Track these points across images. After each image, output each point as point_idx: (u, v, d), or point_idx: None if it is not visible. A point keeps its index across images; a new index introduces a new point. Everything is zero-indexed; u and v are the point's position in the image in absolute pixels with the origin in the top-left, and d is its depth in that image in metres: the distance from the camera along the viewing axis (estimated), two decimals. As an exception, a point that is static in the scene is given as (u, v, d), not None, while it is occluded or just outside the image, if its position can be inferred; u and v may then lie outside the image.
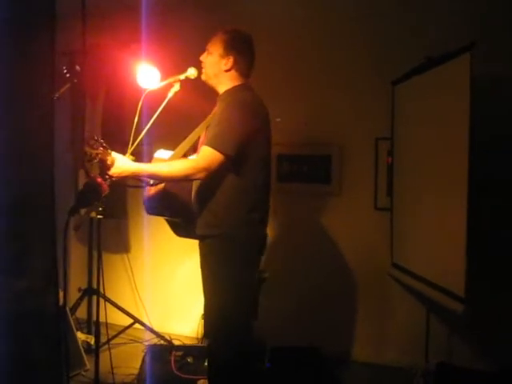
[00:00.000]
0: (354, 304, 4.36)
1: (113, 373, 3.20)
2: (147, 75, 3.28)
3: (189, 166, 2.54)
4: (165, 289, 4.83)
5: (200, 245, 2.74)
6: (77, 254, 4.99)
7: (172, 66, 3.01)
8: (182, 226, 2.90)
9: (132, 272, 4.92)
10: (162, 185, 2.70)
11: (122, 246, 4.95)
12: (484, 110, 3.20)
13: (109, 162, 2.50)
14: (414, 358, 3.87)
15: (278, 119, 4.52)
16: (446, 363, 3.29)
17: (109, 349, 3.49)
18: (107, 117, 4.39)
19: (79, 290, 4.42)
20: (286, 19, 4.47)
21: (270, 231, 4.46)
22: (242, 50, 2.78)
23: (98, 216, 2.71)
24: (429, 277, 3.54)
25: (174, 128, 3.03)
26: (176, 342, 4.43)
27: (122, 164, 2.55)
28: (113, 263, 5.06)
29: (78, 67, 4.38)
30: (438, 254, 3.50)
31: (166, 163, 2.65)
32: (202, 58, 2.81)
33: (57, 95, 4.34)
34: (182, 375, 3.53)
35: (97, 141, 2.51)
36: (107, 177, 2.51)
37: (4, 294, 1.44)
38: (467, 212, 3.02)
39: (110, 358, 3.23)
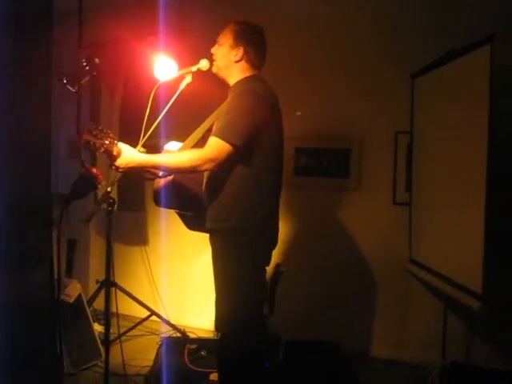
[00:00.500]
0: (371, 300, 4.31)
1: (124, 364, 3.20)
2: (164, 67, 3.28)
3: (196, 156, 2.51)
4: (182, 281, 4.84)
5: (210, 238, 2.72)
6: (96, 247, 5.03)
7: (189, 58, 2.97)
8: (193, 219, 2.88)
9: (149, 265, 4.94)
10: (171, 176, 2.69)
11: (141, 238, 4.97)
12: (505, 104, 3.12)
13: (115, 153, 2.49)
14: (432, 355, 3.81)
15: (299, 113, 4.53)
16: (459, 362, 3.23)
17: (120, 342, 3.51)
18: (125, 109, 4.40)
19: (97, 281, 4.45)
20: (305, 13, 4.42)
21: (288, 225, 4.49)
22: (252, 41, 2.75)
23: (109, 208, 2.69)
24: (446, 273, 3.49)
25: (191, 120, 3.00)
26: (192, 335, 4.43)
27: (128, 155, 2.54)
28: (131, 256, 5.10)
29: (97, 60, 4.41)
30: (455, 249, 3.43)
31: (173, 154, 2.63)
32: (213, 50, 2.79)
33: (76, 88, 4.40)
34: (195, 368, 3.53)
35: (101, 131, 2.50)
36: (114, 167, 2.50)
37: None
38: (485, 207, 2.96)
39: (122, 350, 3.24)
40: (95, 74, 4.41)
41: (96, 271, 4.85)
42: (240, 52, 2.72)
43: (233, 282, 2.65)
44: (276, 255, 4.37)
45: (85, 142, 2.50)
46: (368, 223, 4.33)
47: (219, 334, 2.84)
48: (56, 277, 2.20)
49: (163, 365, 3.55)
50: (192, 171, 2.58)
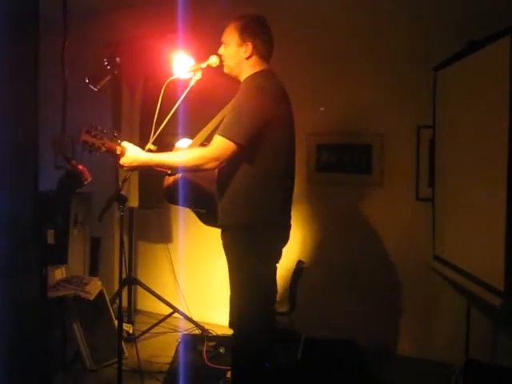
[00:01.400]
0: (395, 297, 4.25)
1: (139, 362, 3.21)
2: (182, 64, 3.27)
3: (199, 155, 2.51)
4: (204, 279, 4.85)
5: (221, 234, 2.71)
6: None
7: (207, 55, 2.94)
8: (207, 216, 2.88)
9: (172, 262, 4.97)
10: (180, 174, 2.69)
11: (164, 236, 5.00)
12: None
13: (118, 152, 2.50)
14: (457, 353, 3.73)
15: (322, 108, 4.49)
16: (475, 360, 3.16)
17: (135, 341, 3.53)
18: (145, 108, 4.42)
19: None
20: (326, 7, 4.37)
21: (309, 222, 4.47)
22: (258, 33, 2.70)
23: (120, 206, 2.70)
24: (469, 270, 3.41)
25: (206, 116, 2.99)
26: (214, 333, 4.43)
27: (132, 154, 2.56)
28: (155, 253, 5.14)
29: (118, 59, 4.45)
30: (478, 246, 3.35)
31: (177, 153, 2.63)
32: (220, 51, 2.76)
33: (98, 87, 4.45)
34: (213, 365, 3.53)
35: (101, 131, 2.51)
36: (119, 166, 2.51)
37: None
38: (507, 204, 2.89)
39: (136, 349, 3.26)
40: (116, 73, 4.47)
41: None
42: (249, 48, 2.68)
43: (242, 278, 2.64)
44: (298, 252, 4.41)
45: (83, 143, 2.52)
46: (391, 219, 4.27)
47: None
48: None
49: (182, 362, 3.56)
50: (196, 170, 2.58)
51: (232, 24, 2.73)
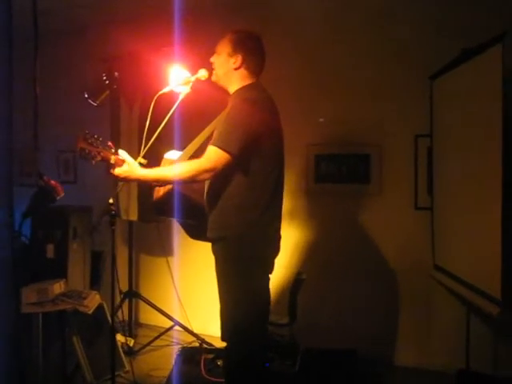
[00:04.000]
0: (394, 306, 4.24)
1: (134, 376, 3.20)
2: (178, 77, 3.29)
3: (193, 167, 2.52)
4: (205, 291, 4.82)
5: (212, 247, 2.71)
6: (122, 258, 5.09)
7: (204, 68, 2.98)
8: (195, 228, 2.88)
9: (173, 275, 4.97)
10: (170, 186, 2.70)
11: (164, 249, 5.00)
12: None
13: (112, 161, 2.52)
14: (458, 362, 3.70)
15: (321, 119, 4.50)
16: (467, 370, 3.13)
17: (133, 355, 3.50)
18: (144, 121, 4.43)
19: (120, 292, 4.50)
20: (318, 18, 4.40)
21: (309, 232, 4.46)
22: (250, 48, 2.74)
23: (111, 219, 2.71)
24: (467, 279, 3.41)
25: (194, 128, 3.01)
26: (214, 345, 4.42)
27: (129, 168, 2.59)
28: (155, 266, 5.14)
29: (116, 73, 4.48)
30: (476, 255, 3.35)
31: (170, 167, 2.64)
32: (212, 59, 2.80)
33: (97, 102, 4.48)
34: (211, 378, 3.51)
35: (97, 139, 2.54)
36: (111, 176, 2.54)
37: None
38: (502, 213, 2.89)
39: (131, 364, 3.25)
40: (115, 87, 4.50)
41: (123, 282, 4.90)
42: (239, 59, 2.71)
43: (235, 290, 2.63)
44: (297, 262, 4.41)
45: (80, 150, 2.55)
46: (390, 228, 4.26)
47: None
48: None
49: (179, 374, 3.55)
50: (191, 182, 2.60)
51: (227, 35, 2.78)
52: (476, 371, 3.32)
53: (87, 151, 2.55)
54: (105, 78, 4.40)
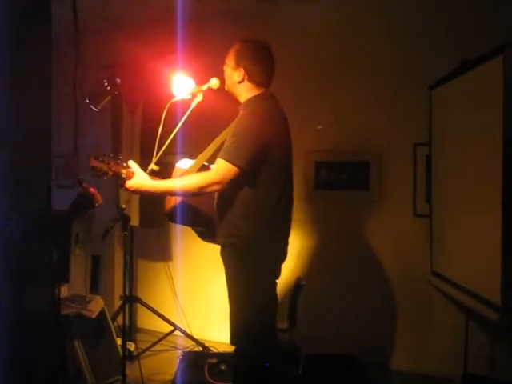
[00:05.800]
0: (393, 312, 4.28)
1: (142, 381, 3.22)
2: (182, 85, 3.33)
3: (201, 180, 2.56)
4: (205, 296, 4.87)
5: (221, 252, 2.76)
6: (121, 263, 5.09)
7: (207, 76, 2.98)
8: (206, 233, 2.93)
9: (173, 280, 5.00)
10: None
11: (164, 254, 5.03)
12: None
13: (124, 175, 2.57)
14: (456, 367, 3.76)
15: (320, 127, 4.55)
16: (473, 374, 3.18)
17: (138, 359, 3.52)
18: (146, 128, 4.47)
19: (120, 297, 4.52)
20: (321, 28, 4.47)
21: (309, 239, 4.50)
22: (253, 60, 2.75)
23: (124, 225, 2.75)
24: (467, 285, 3.45)
25: (206, 136, 3.05)
26: (214, 350, 4.45)
27: (139, 180, 2.64)
28: (155, 271, 5.16)
29: (118, 80, 4.50)
30: (475, 261, 3.40)
31: (180, 179, 2.67)
32: (224, 68, 2.85)
33: (99, 107, 4.50)
34: (215, 382, 3.54)
35: (107, 156, 2.59)
36: (123, 189, 2.58)
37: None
38: (502, 219, 2.93)
39: (140, 367, 3.26)
40: (117, 93, 4.52)
41: (121, 287, 4.91)
42: (241, 73, 2.74)
43: (242, 295, 2.68)
44: (297, 269, 4.44)
45: (92, 168, 2.61)
46: (389, 235, 4.31)
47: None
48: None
49: (183, 379, 3.57)
50: (200, 194, 2.62)
51: (234, 46, 2.80)
52: (481, 375, 3.37)
53: (98, 169, 2.62)
54: (106, 84, 4.42)
